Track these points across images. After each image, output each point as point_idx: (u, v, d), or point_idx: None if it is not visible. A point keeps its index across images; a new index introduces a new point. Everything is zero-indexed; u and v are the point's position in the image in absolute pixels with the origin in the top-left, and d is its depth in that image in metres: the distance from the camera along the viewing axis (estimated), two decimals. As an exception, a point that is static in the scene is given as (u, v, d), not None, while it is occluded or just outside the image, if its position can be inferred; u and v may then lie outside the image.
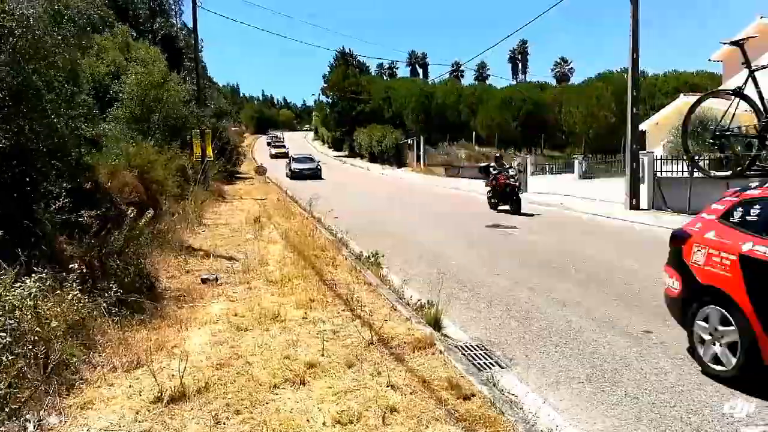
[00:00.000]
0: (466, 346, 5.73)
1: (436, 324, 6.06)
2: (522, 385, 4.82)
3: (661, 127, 27.42)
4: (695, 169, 18.86)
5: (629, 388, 4.75)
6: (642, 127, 26.66)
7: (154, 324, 6.13)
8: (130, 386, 4.56)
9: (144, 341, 5.48)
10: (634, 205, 18.50)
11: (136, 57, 20.02)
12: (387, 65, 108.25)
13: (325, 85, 65.48)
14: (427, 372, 4.78)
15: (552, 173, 27.71)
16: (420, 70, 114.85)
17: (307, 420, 3.96)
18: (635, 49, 18.51)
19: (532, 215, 17.20)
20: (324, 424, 3.91)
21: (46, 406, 4.10)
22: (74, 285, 5.56)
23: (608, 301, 7.45)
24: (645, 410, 4.33)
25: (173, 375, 4.73)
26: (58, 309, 5.03)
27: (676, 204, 18.16)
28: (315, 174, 36.98)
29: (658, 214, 17.54)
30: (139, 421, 4.00)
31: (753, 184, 5.33)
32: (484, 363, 5.30)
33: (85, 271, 5.87)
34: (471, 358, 5.34)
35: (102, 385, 4.57)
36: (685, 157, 19.54)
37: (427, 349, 5.28)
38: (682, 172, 19.42)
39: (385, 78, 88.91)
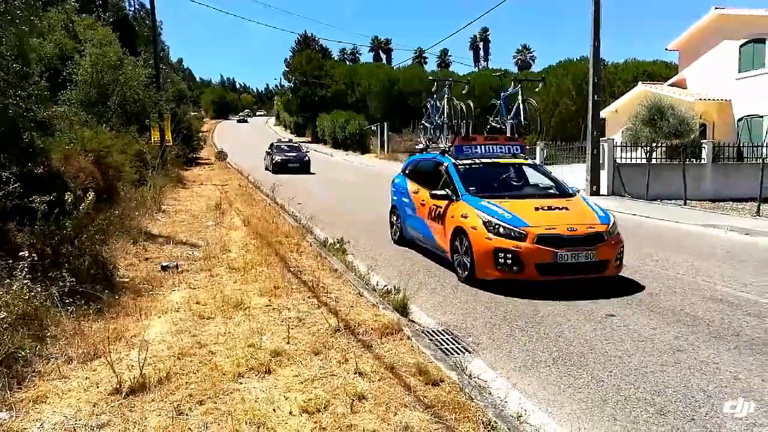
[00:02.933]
0: (433, 332, 5.69)
1: (403, 310, 6.01)
2: (490, 370, 4.81)
3: (620, 114, 27.97)
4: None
5: (595, 371, 4.79)
6: (602, 114, 27.11)
7: (111, 313, 5.91)
8: (86, 378, 4.37)
9: (101, 331, 5.27)
10: (595, 191, 18.83)
11: (88, 37, 19.30)
12: (350, 50, 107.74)
13: (287, 69, 64.54)
14: (394, 358, 4.72)
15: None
16: (383, 56, 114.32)
17: (273, 409, 3.85)
18: (597, 37, 18.74)
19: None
20: (291, 413, 3.81)
21: (-5, 401, 3.90)
22: (24, 274, 5.32)
23: (572, 285, 7.52)
24: (611, 392, 4.37)
25: (132, 366, 4.56)
26: (7, 298, 4.79)
27: (635, 190, 18.59)
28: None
29: (617, 200, 17.89)
30: (97, 415, 3.82)
31: None
32: (452, 348, 5.28)
33: (35, 259, 5.59)
34: (438, 344, 5.30)
35: (56, 378, 4.37)
36: (643, 144, 20.08)
37: (395, 335, 5.22)
38: (641, 158, 19.89)
39: (348, 63, 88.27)
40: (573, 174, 20.92)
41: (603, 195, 18.82)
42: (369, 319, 5.68)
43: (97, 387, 4.23)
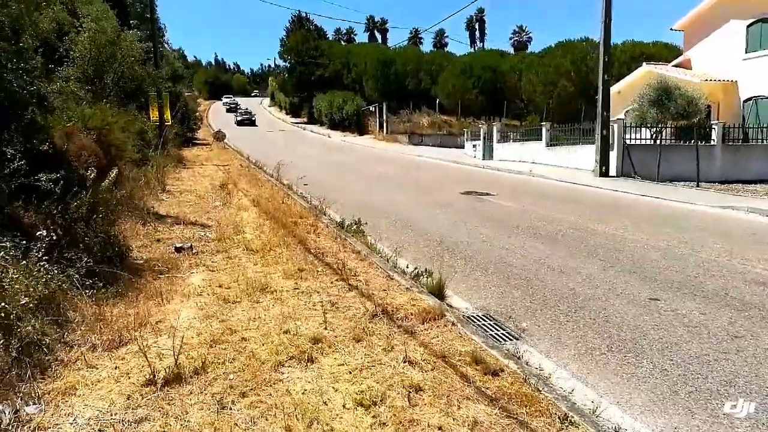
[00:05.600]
0: (475, 317, 5.40)
1: (439, 294, 5.70)
2: (545, 358, 4.52)
3: (623, 95, 27.55)
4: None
5: (654, 358, 4.51)
6: (604, 95, 26.73)
7: (130, 297, 5.59)
8: (115, 368, 4.05)
9: (123, 316, 4.96)
10: (604, 173, 18.54)
11: (86, 13, 18.68)
12: (345, 30, 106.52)
13: (282, 49, 63.55)
14: (443, 345, 4.43)
15: (515, 141, 27.56)
16: (379, 36, 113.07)
17: (324, 402, 3.56)
18: (608, 13, 18.31)
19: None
20: (344, 406, 3.51)
21: (22, 393, 3.57)
22: (41, 255, 4.98)
23: (606, 267, 7.25)
24: (678, 383, 4.10)
25: (162, 354, 4.26)
26: (25, 282, 4.45)
27: (645, 171, 18.31)
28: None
29: (628, 181, 17.62)
30: (133, 408, 3.51)
31: None
32: (497, 334, 4.99)
33: (54, 239, 5.25)
34: (483, 330, 5.01)
35: (83, 367, 4.05)
36: (649, 125, 19.83)
37: (437, 321, 4.93)
38: (648, 139, 19.61)
39: (343, 43, 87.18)
40: (581, 157, 20.69)
41: (612, 176, 18.53)
42: (406, 304, 5.38)
43: (128, 377, 3.92)
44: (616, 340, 4.90)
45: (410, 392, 3.65)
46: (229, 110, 65.47)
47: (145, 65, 20.20)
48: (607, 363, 4.45)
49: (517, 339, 4.89)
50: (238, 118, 57.52)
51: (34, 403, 3.53)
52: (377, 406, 3.49)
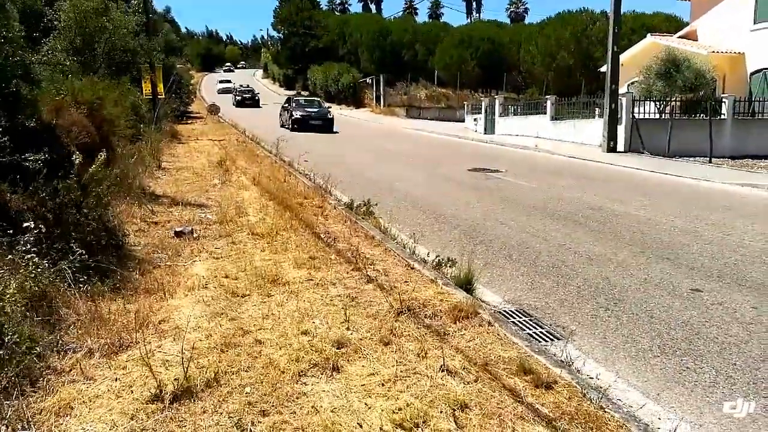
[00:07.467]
0: (507, 312, 4.94)
1: (468, 286, 5.23)
2: (596, 364, 4.06)
3: (626, 67, 26.81)
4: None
5: (715, 363, 4.07)
6: (603, 69, 26.05)
7: (129, 290, 5.11)
8: (115, 379, 3.57)
9: (122, 314, 4.47)
10: (612, 148, 18.04)
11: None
12: (338, 0, 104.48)
13: (275, 19, 62.17)
14: (483, 351, 3.97)
15: (517, 114, 26.93)
16: (373, 6, 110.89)
17: (359, 424, 3.10)
18: (618, -18, 17.60)
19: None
20: (381, 429, 3.05)
21: (7, 415, 3.09)
22: (29, 247, 4.46)
23: (636, 254, 6.80)
24: (750, 393, 3.66)
25: (168, 361, 3.78)
26: (17, 280, 3.94)
27: (654, 146, 17.82)
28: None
29: (637, 157, 17.14)
30: (138, 432, 3.05)
31: None
32: (536, 333, 4.53)
33: (43, 230, 4.72)
34: (520, 328, 4.56)
35: (79, 378, 3.56)
36: (656, 99, 19.25)
37: (471, 319, 4.47)
38: (654, 113, 19.06)
39: (336, 14, 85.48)
40: (587, 131, 20.16)
41: (620, 151, 18.03)
42: (433, 299, 4.91)
43: (131, 391, 3.44)
44: (667, 339, 4.46)
45: (455, 410, 3.19)
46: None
47: (138, 36, 19.42)
48: (665, 369, 4.00)
49: (558, 339, 4.43)
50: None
51: (23, 428, 3.06)
52: (420, 429, 3.04)
